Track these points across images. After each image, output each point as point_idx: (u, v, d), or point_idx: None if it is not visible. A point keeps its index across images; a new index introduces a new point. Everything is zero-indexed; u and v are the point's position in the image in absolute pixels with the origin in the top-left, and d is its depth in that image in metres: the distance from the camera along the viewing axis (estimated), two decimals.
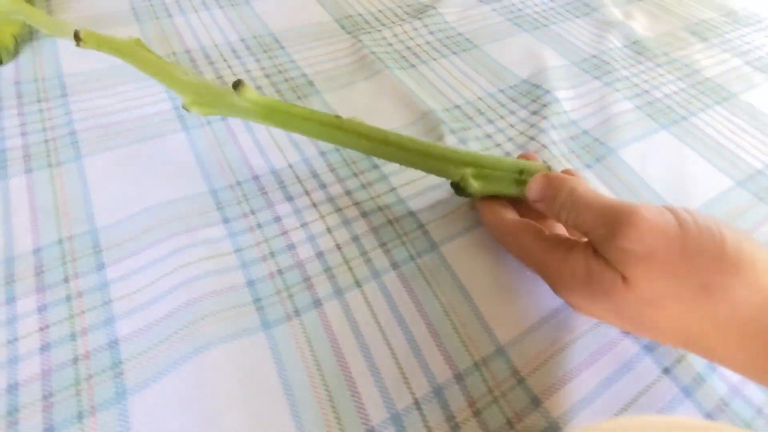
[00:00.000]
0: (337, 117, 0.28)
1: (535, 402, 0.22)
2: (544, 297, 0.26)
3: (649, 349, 0.24)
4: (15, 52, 0.39)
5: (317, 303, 0.25)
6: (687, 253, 0.17)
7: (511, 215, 0.26)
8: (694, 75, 0.44)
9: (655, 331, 0.20)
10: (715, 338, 0.18)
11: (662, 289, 0.18)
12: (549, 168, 0.26)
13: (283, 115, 0.28)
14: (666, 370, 0.24)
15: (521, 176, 0.25)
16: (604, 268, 0.20)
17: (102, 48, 0.30)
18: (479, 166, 0.26)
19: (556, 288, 0.23)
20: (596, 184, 0.33)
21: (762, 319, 0.16)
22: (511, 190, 0.26)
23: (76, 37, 0.29)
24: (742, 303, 0.17)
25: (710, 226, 0.17)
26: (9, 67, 0.38)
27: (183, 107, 0.29)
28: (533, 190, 0.24)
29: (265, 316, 0.24)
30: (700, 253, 0.17)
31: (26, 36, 0.41)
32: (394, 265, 0.27)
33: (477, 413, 0.22)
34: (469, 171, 0.26)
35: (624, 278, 0.19)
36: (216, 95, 0.28)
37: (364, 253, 0.27)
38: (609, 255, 0.19)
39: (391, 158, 0.28)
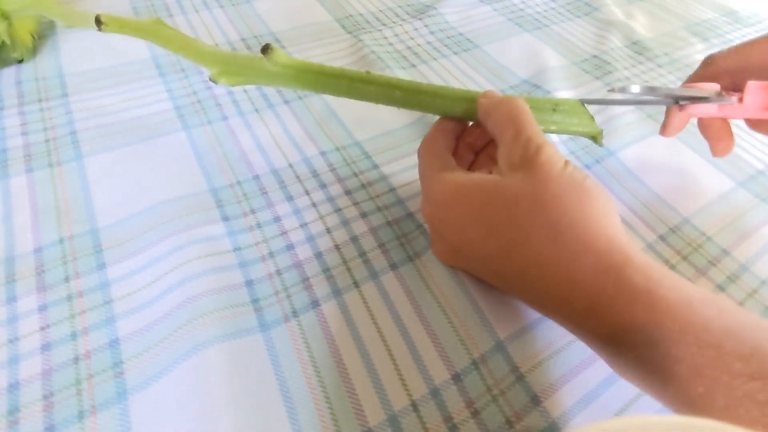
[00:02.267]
0: (367, 72, 0.28)
1: (535, 401, 0.22)
2: None
3: None
4: (34, 50, 0.39)
5: (315, 303, 0.25)
6: (561, 180, 0.22)
7: (441, 140, 0.27)
8: None
9: (494, 236, 0.23)
10: (547, 246, 0.21)
11: (527, 192, 0.22)
12: (582, 103, 0.28)
13: (314, 76, 0.28)
14: None
15: (555, 111, 0.27)
16: (485, 176, 0.24)
17: (124, 30, 0.30)
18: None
19: (423, 197, 0.26)
20: None
21: (599, 237, 0.20)
22: (549, 125, 0.27)
23: (98, 21, 0.29)
24: (588, 220, 0.21)
25: (582, 172, 0.22)
26: (10, 67, 0.38)
27: (210, 79, 0.29)
28: (482, 104, 0.26)
29: (263, 317, 0.24)
30: (570, 178, 0.22)
31: (48, 31, 0.41)
32: (393, 266, 0.27)
33: (475, 413, 0.22)
34: None
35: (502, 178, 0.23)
36: (244, 63, 0.28)
37: (362, 254, 0.27)
38: (509, 162, 0.23)
39: (424, 108, 0.28)
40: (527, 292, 0.23)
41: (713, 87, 0.28)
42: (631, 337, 0.19)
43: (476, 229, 0.23)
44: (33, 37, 0.39)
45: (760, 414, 0.16)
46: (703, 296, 0.19)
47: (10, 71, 0.37)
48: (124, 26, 0.30)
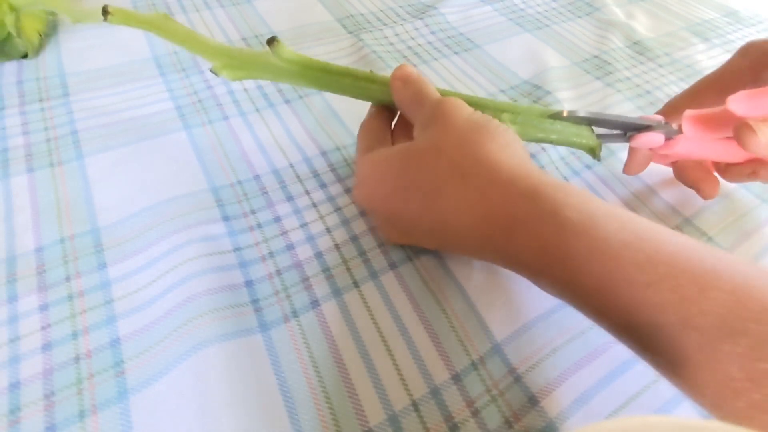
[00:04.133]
0: (371, 72, 0.28)
1: (533, 401, 0.22)
2: (540, 296, 0.26)
3: None
4: (39, 48, 0.40)
5: (315, 303, 0.25)
6: (463, 125, 0.23)
7: (373, 124, 0.28)
8: (696, 75, 0.44)
9: (418, 191, 0.23)
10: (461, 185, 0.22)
11: (433, 143, 0.23)
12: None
13: (317, 72, 0.28)
14: None
15: (556, 120, 0.28)
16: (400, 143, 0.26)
17: (130, 22, 0.30)
18: (515, 112, 0.27)
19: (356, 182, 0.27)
20: (597, 186, 0.33)
21: (503, 169, 0.21)
22: (550, 134, 0.28)
23: (104, 12, 0.29)
24: (491, 155, 0.22)
25: (486, 116, 0.24)
26: (11, 66, 0.38)
27: (212, 71, 0.29)
28: (396, 77, 0.27)
29: (262, 318, 0.24)
30: (471, 121, 0.23)
31: (51, 31, 0.42)
32: (392, 265, 0.27)
33: (475, 413, 0.22)
34: (506, 116, 0.27)
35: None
36: (247, 57, 0.28)
37: (362, 253, 0.27)
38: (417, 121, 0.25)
39: None
40: (459, 242, 0.24)
41: (657, 118, 0.28)
42: (547, 258, 0.20)
43: (397, 194, 0.24)
44: (40, 36, 0.39)
45: (652, 315, 0.17)
46: (607, 211, 0.20)
47: (11, 70, 0.38)
48: (130, 18, 0.30)
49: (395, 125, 0.29)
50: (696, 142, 0.27)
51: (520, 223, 0.20)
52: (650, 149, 0.29)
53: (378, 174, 0.25)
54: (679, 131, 0.27)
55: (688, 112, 0.27)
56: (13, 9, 0.37)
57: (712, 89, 0.29)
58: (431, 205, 0.23)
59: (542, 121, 0.27)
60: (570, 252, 0.19)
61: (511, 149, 0.23)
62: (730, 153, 0.28)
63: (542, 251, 0.20)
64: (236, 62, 0.28)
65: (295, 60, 0.28)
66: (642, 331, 0.17)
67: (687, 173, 0.31)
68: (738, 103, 0.24)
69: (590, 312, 0.19)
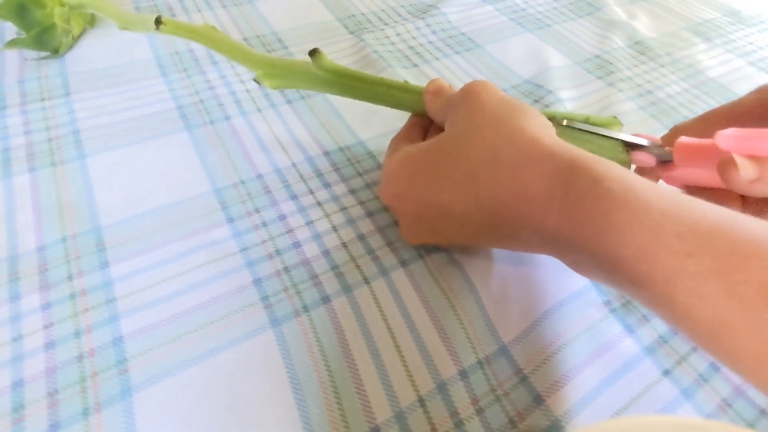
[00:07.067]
0: (405, 81, 0.29)
1: (538, 400, 0.22)
2: (546, 292, 0.26)
3: (650, 350, 0.24)
4: (68, 48, 0.40)
5: (326, 299, 0.25)
6: (496, 105, 0.24)
7: (404, 134, 0.29)
8: (698, 75, 0.44)
9: (450, 177, 0.23)
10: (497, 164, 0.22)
11: (466, 125, 0.24)
12: (617, 120, 0.29)
13: (355, 82, 0.29)
14: (666, 372, 0.24)
15: (588, 121, 0.28)
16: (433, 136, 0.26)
17: (180, 32, 0.32)
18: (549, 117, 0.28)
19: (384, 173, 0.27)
20: None
21: (539, 145, 0.22)
22: (587, 144, 0.28)
23: (158, 21, 0.31)
24: (525, 132, 0.22)
25: (516, 99, 0.24)
26: (13, 65, 0.38)
27: (255, 80, 0.30)
28: (428, 90, 0.28)
29: (273, 313, 0.24)
30: (504, 101, 0.24)
31: (88, 30, 0.43)
32: (403, 263, 0.27)
33: (480, 411, 0.22)
34: None
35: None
36: (289, 67, 0.30)
37: (370, 251, 0.27)
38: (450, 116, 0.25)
39: None
40: (494, 227, 0.23)
41: (654, 139, 0.28)
42: (587, 230, 0.20)
43: (428, 185, 0.24)
44: (72, 38, 0.40)
45: (694, 284, 0.17)
46: (646, 183, 0.20)
47: (13, 69, 0.38)
48: (179, 28, 0.32)
49: (429, 133, 0.29)
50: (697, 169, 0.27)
51: (559, 196, 0.20)
52: (653, 170, 0.28)
53: (407, 169, 0.25)
54: (670, 153, 0.26)
55: (681, 140, 0.26)
56: (64, 5, 0.38)
57: (721, 120, 0.29)
58: (465, 190, 0.23)
59: (572, 131, 0.27)
60: (611, 222, 0.19)
61: (546, 129, 0.23)
62: None
63: (581, 223, 0.20)
64: (277, 71, 0.30)
65: (335, 69, 0.29)
66: (682, 301, 0.17)
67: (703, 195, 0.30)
68: (726, 139, 0.23)
69: (628, 284, 0.19)
